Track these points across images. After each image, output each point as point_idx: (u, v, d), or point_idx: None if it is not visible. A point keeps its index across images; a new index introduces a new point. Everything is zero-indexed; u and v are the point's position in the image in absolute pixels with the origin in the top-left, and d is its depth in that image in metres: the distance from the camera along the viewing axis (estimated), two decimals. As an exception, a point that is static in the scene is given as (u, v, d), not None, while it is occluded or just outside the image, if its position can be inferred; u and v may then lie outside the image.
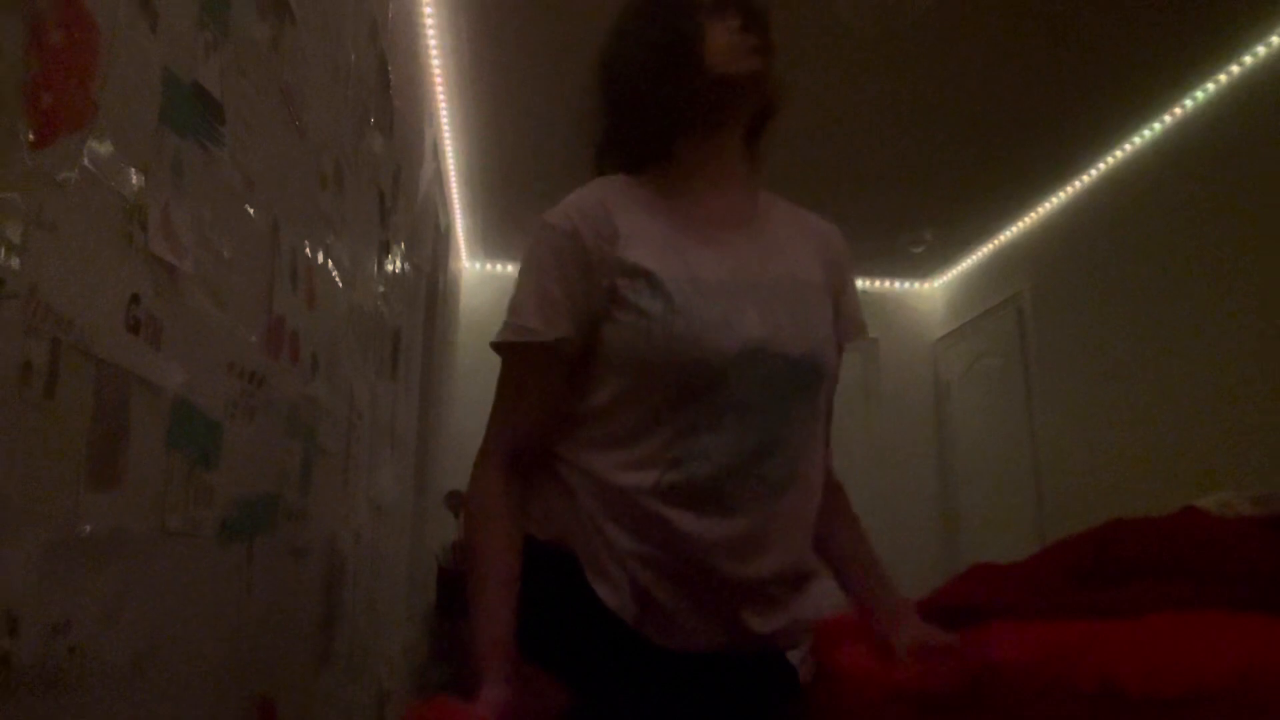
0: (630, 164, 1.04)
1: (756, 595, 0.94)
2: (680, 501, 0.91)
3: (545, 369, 0.97)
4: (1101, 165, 4.04)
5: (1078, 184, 4.23)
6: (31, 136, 0.64)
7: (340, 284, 1.69)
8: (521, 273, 0.99)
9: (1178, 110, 3.55)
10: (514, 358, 0.99)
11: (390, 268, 2.32)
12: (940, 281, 5.66)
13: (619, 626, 0.92)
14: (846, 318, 1.08)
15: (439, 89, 3.33)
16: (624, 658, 0.92)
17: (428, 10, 2.93)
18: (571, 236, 0.95)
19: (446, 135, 3.71)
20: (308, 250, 1.42)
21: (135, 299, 0.80)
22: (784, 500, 0.95)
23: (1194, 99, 3.46)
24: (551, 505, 0.98)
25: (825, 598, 0.99)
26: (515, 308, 0.97)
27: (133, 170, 0.79)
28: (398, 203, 2.42)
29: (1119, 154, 3.92)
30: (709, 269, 0.95)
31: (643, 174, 1.03)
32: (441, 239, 3.81)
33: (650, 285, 0.92)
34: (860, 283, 5.56)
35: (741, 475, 0.92)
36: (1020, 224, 4.71)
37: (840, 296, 1.08)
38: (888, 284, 5.68)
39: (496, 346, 0.99)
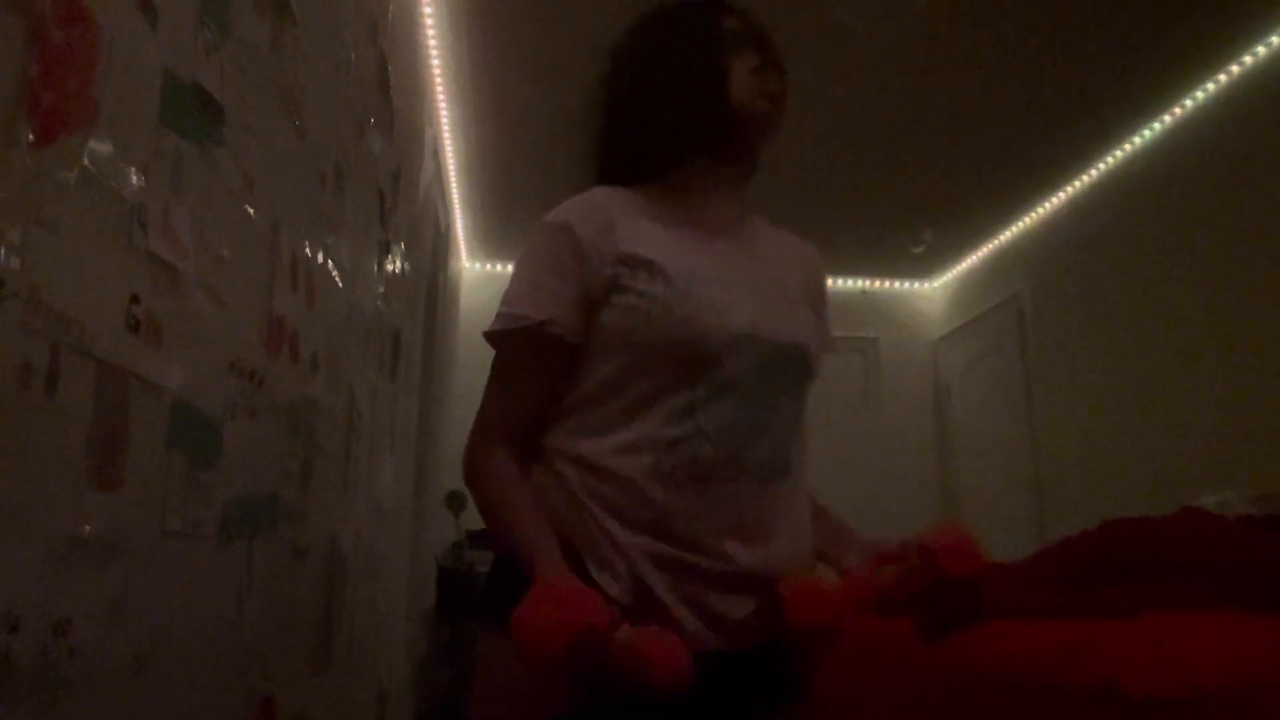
0: (626, 178, 1.08)
1: (758, 589, 0.94)
2: (681, 484, 0.92)
3: (537, 356, 0.98)
4: (1101, 165, 4.04)
5: (1078, 184, 4.23)
6: (31, 136, 0.64)
7: (340, 284, 1.69)
8: (515, 268, 1.02)
9: (1178, 110, 3.55)
10: (507, 346, 1.00)
11: (390, 268, 2.32)
12: (940, 281, 5.66)
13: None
14: (822, 331, 1.12)
15: (439, 89, 3.33)
16: None
17: (428, 10, 2.93)
18: (565, 229, 0.98)
19: (446, 135, 3.71)
20: (308, 250, 1.42)
21: (135, 299, 0.80)
22: (779, 487, 0.97)
23: (1194, 99, 3.46)
24: (544, 498, 0.98)
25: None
26: (508, 299, 1.00)
27: (133, 170, 0.79)
28: (398, 203, 2.42)
29: (1119, 154, 3.92)
30: (705, 263, 0.99)
31: (636, 188, 1.07)
32: (441, 239, 3.81)
33: (650, 272, 0.95)
34: (860, 283, 5.57)
35: (738, 458, 0.94)
36: (1020, 224, 4.71)
37: (819, 309, 1.13)
38: (888, 284, 5.68)
39: (490, 336, 1.00)
